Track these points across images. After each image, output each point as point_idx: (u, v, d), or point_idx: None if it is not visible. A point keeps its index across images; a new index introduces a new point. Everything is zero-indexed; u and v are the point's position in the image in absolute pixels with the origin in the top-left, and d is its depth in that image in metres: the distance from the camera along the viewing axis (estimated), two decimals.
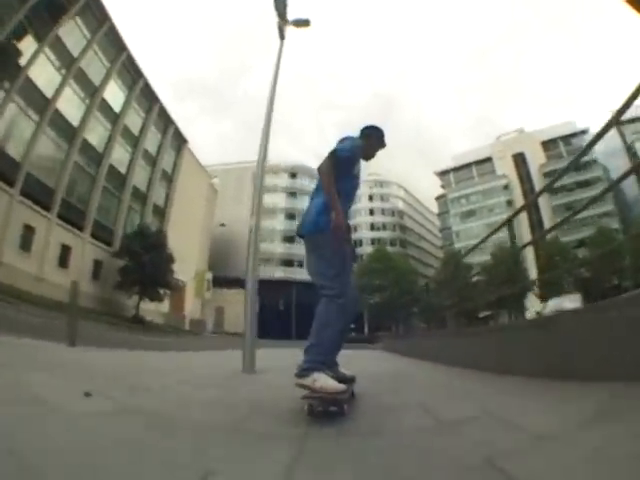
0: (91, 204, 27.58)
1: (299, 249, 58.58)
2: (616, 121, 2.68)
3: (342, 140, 2.91)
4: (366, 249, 62.44)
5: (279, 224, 59.20)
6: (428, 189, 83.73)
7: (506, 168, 63.37)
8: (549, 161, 59.87)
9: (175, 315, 34.07)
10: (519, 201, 57.57)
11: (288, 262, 58.02)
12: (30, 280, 21.25)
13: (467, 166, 69.30)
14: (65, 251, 24.93)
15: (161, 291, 28.87)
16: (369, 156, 3.18)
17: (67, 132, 25.57)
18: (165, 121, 37.51)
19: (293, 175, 63.21)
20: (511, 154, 63.40)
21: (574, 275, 41.65)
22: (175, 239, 34.46)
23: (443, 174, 72.99)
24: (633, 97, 2.33)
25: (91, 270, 26.99)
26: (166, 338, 19.98)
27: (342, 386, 2.38)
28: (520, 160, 62.50)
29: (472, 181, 67.14)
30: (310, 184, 61.66)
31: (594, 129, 52.20)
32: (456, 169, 71.00)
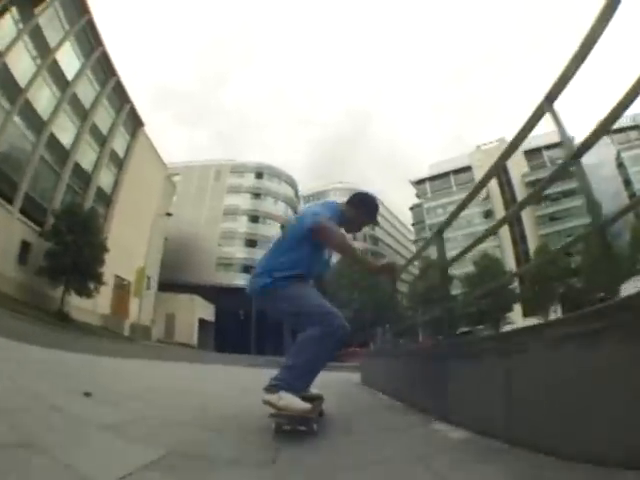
0: (25, 174, 23.68)
1: (262, 254, 55.25)
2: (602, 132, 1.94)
3: (323, 205, 2.92)
4: (334, 261, 59.65)
5: (241, 226, 55.73)
6: (399, 202, 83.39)
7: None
8: (532, 171, 59.66)
9: (116, 318, 29.50)
10: (499, 211, 57.11)
11: (250, 268, 54.25)
12: None
13: (445, 175, 68.81)
14: None
15: (91, 285, 24.39)
16: (351, 230, 2.96)
17: (9, 89, 22.07)
18: (121, 98, 34.02)
19: (259, 175, 60.17)
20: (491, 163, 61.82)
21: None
22: (121, 231, 31.09)
23: (419, 183, 72.67)
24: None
25: (17, 252, 22.77)
26: (87, 340, 16.11)
27: (307, 405, 2.37)
28: (501, 169, 60.72)
29: (449, 190, 66.26)
30: (277, 185, 59.09)
31: (579, 138, 52.93)
32: (432, 178, 70.70)
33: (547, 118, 2.45)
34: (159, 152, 40.68)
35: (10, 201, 22.54)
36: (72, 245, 22.59)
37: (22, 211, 23.30)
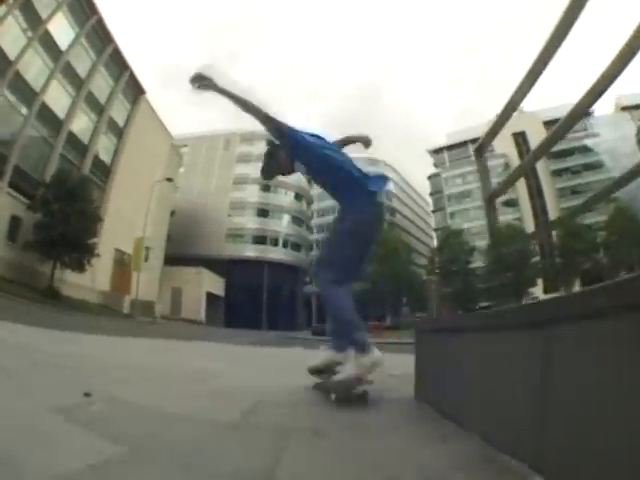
0: (15, 147, 23.07)
1: (274, 225, 54.58)
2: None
3: None
4: None
5: (252, 196, 54.69)
6: (415, 173, 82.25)
7: (506, 147, 60.09)
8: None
9: (116, 295, 28.92)
10: (520, 183, 52.97)
11: (261, 239, 53.51)
12: None
13: (462, 144, 66.14)
14: None
15: (84, 258, 23.62)
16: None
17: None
18: (119, 66, 33.01)
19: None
20: (511, 133, 60.76)
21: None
22: (121, 203, 30.73)
23: (436, 152, 70.76)
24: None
25: (6, 228, 22.25)
26: (76, 318, 15.55)
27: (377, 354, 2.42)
28: (521, 139, 59.81)
29: (468, 160, 63.28)
30: None
31: (597, 111, 52.53)
32: (450, 147, 68.78)
33: None
34: (163, 121, 39.60)
35: (0, 175, 21.99)
36: (58, 214, 21.70)
37: (12, 185, 22.80)
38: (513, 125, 59.65)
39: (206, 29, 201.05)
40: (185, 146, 51.39)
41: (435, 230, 66.28)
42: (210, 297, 41.45)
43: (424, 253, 64.35)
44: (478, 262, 44.80)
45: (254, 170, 55.68)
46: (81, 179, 25.03)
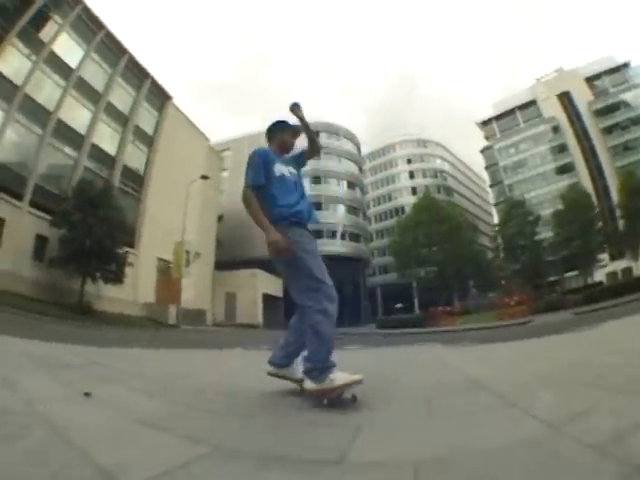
0: (33, 168, 23.32)
1: (329, 217, 53.56)
2: None
3: (248, 163, 3.13)
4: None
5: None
6: (466, 150, 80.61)
7: (552, 110, 58.87)
8: (597, 98, 56.33)
9: (161, 306, 28.23)
10: (573, 145, 56.13)
11: (317, 233, 51.78)
12: None
13: (510, 112, 65.16)
14: None
15: (113, 267, 23.14)
16: (288, 149, 3.36)
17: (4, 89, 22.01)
18: (138, 75, 33.08)
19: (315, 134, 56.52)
20: (555, 94, 58.93)
21: None
22: (159, 212, 30.47)
23: (485, 124, 69.24)
24: None
25: (32, 248, 22.24)
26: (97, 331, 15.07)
27: (357, 376, 2.66)
28: (566, 100, 57.98)
29: (518, 128, 63.26)
30: (337, 142, 56.35)
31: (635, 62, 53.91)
32: (498, 117, 66.77)
33: None
34: (195, 124, 39.24)
35: (19, 197, 22.21)
36: (79, 225, 21.26)
37: (34, 204, 22.86)
38: (556, 86, 59.28)
39: (231, 39, 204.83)
40: (227, 150, 50.95)
41: (495, 205, 63.34)
42: (267, 299, 40.29)
43: (486, 232, 62.03)
44: (543, 234, 43.04)
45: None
46: (104, 187, 24.66)
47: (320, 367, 2.66)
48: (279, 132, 3.27)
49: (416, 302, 51.48)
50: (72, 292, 22.32)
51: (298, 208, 2.99)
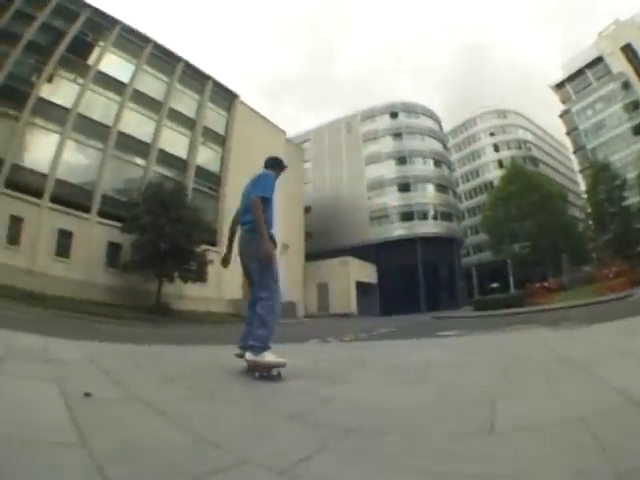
0: (98, 181, 24.46)
1: (419, 197, 50.66)
2: None
3: (258, 180, 3.96)
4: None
5: (389, 172, 51.67)
6: (544, 117, 74.68)
7: (620, 64, 52.95)
8: None
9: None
10: None
11: (408, 215, 49.49)
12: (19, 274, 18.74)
13: (580, 73, 59.06)
14: (64, 238, 22.00)
15: (192, 266, 23.36)
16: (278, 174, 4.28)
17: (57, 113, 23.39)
18: (198, 78, 33.50)
19: (394, 115, 55.05)
20: (619, 47, 52.80)
21: None
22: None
23: (559, 87, 62.56)
24: None
25: (104, 255, 23.27)
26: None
27: (282, 360, 3.41)
28: (630, 52, 51.81)
29: (591, 87, 57.69)
30: (417, 120, 53.80)
31: None
32: (570, 78, 60.45)
33: None
34: (268, 118, 39.15)
35: (87, 210, 23.33)
36: (150, 227, 21.55)
37: (103, 214, 23.83)
38: (617, 39, 53.40)
39: (295, 36, 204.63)
40: (306, 141, 50.51)
41: (581, 171, 57.04)
42: (361, 286, 38.83)
43: (574, 203, 56.41)
44: (631, 199, 40.54)
45: (383, 146, 52.54)
46: (175, 188, 24.98)
47: (260, 345, 3.42)
48: (280, 168, 4.20)
49: (511, 280, 47.61)
50: (149, 294, 22.79)
51: (274, 226, 3.86)
